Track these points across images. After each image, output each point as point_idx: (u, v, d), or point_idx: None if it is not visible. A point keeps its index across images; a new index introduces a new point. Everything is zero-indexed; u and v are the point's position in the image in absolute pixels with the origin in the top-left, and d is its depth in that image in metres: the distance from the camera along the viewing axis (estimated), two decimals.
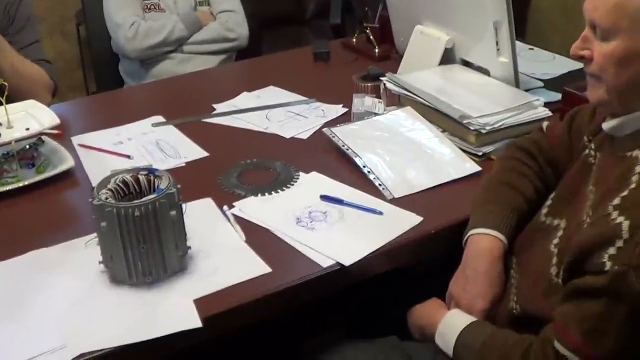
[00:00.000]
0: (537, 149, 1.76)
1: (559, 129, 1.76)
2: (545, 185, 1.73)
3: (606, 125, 1.46)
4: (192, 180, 1.87)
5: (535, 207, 1.68)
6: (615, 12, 1.32)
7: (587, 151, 1.56)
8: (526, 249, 1.59)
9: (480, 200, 1.71)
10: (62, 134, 2.15)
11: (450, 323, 1.56)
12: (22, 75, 2.37)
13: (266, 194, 1.88)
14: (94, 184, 1.59)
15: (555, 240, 1.50)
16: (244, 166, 2.02)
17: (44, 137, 2.10)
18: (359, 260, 1.62)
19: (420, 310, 1.69)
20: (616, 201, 1.29)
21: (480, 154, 2.00)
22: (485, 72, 2.35)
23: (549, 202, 1.62)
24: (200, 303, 1.49)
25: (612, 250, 1.25)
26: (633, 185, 1.30)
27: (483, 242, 1.62)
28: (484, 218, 1.65)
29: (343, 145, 2.02)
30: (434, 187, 1.89)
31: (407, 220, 1.75)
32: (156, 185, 1.56)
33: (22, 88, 2.27)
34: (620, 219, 1.26)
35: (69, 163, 2.01)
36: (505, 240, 1.63)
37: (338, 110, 2.36)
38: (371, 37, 2.83)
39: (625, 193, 1.30)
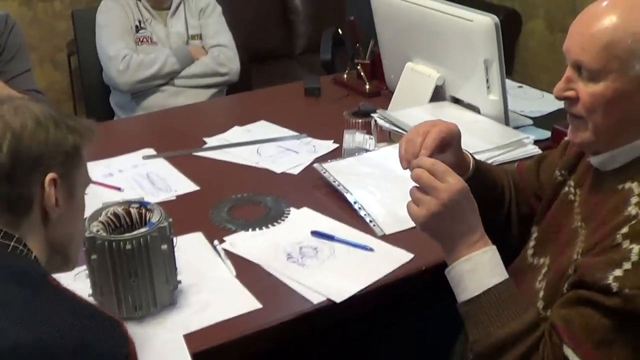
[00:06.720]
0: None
1: (527, 165, 1.80)
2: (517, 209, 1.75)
3: (595, 160, 1.46)
4: (183, 214, 1.87)
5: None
6: (606, 54, 1.32)
7: (566, 189, 1.57)
8: None
9: None
10: None
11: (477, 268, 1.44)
12: None
13: (257, 229, 1.88)
14: (85, 215, 1.58)
15: (540, 277, 1.51)
16: (234, 201, 2.02)
17: None
18: (350, 297, 1.62)
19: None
20: (624, 230, 1.30)
21: None
22: (476, 109, 2.37)
23: (532, 242, 1.62)
24: (190, 338, 1.48)
25: (618, 272, 1.25)
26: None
27: None
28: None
29: (334, 181, 2.03)
30: None
31: (397, 257, 1.76)
32: (148, 218, 1.56)
33: None
34: (632, 246, 1.27)
35: None
36: None
37: (329, 146, 2.37)
38: (362, 73, 2.84)
39: (633, 222, 1.30)
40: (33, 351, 1.06)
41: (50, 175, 1.23)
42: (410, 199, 1.44)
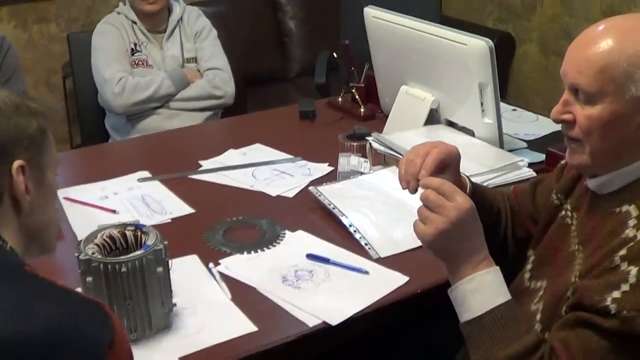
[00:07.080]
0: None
1: (522, 188, 1.81)
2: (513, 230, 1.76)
3: (592, 184, 1.47)
4: (178, 237, 1.86)
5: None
6: (602, 77, 1.33)
7: (562, 212, 1.58)
8: None
9: None
10: None
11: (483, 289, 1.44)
12: None
13: (252, 252, 1.87)
14: (80, 237, 1.58)
15: (535, 300, 1.52)
16: (229, 224, 2.02)
17: None
18: (345, 320, 1.62)
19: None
20: (622, 252, 1.31)
21: None
22: (470, 132, 2.38)
23: (529, 266, 1.63)
24: None
25: (616, 294, 1.26)
26: (638, 237, 1.32)
27: None
28: None
29: (329, 204, 2.03)
30: (419, 246, 1.89)
31: (393, 280, 1.75)
32: (143, 241, 1.56)
33: None
34: (630, 268, 1.28)
35: None
36: None
37: (324, 169, 2.37)
38: (357, 96, 2.85)
39: (631, 244, 1.31)
40: (13, 344, 1.05)
41: (17, 163, 1.21)
42: (415, 219, 1.46)
